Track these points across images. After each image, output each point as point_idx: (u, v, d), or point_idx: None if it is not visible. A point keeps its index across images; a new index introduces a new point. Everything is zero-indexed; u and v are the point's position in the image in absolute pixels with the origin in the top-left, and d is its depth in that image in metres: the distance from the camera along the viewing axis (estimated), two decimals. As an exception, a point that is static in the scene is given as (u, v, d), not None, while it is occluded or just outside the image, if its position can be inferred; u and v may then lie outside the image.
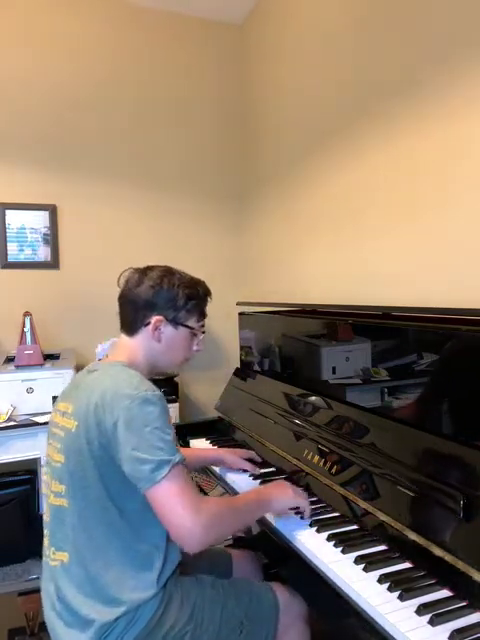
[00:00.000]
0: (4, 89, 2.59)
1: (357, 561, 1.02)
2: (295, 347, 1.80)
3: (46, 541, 1.12)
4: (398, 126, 1.73)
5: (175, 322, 1.20)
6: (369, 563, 1.01)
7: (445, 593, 0.91)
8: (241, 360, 2.25)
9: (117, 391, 1.03)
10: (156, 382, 1.14)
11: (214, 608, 1.11)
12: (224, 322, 2.78)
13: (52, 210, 2.68)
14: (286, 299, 2.51)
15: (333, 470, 1.30)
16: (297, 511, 1.23)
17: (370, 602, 0.90)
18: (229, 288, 3.00)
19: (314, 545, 1.10)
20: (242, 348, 2.25)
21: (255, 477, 1.49)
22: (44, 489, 1.16)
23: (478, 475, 0.98)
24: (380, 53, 1.81)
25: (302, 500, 1.21)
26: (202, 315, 1.26)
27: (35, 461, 2.31)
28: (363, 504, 1.17)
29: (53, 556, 1.08)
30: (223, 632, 1.09)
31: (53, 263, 2.70)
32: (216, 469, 1.61)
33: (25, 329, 2.36)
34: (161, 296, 1.18)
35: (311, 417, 1.54)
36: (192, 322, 1.23)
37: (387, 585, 0.94)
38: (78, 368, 2.43)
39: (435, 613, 0.85)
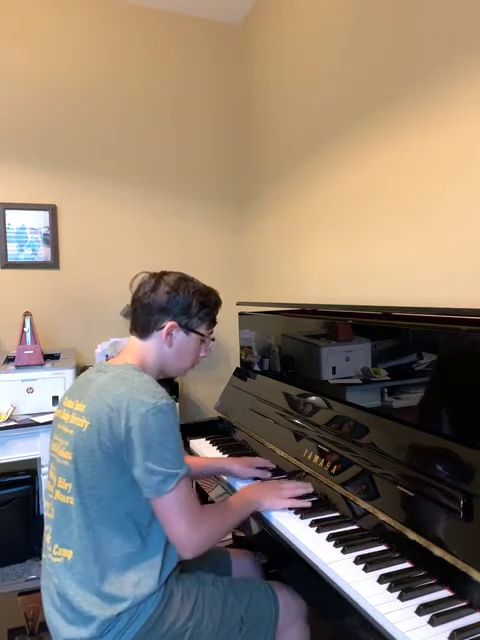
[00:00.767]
0: (4, 89, 2.59)
1: (357, 561, 1.02)
2: (295, 347, 1.80)
3: (48, 538, 1.13)
4: (399, 126, 1.74)
5: (187, 328, 1.24)
6: (369, 563, 1.01)
7: (445, 593, 0.91)
8: (241, 360, 2.25)
9: (133, 397, 1.05)
10: (157, 381, 1.15)
11: (215, 605, 1.12)
12: (224, 322, 2.77)
13: (52, 210, 2.68)
14: (286, 299, 2.51)
15: (333, 470, 1.30)
16: (296, 508, 1.25)
17: (370, 602, 0.90)
18: (229, 288, 2.99)
19: (314, 545, 1.10)
20: (242, 348, 2.25)
21: (255, 477, 1.49)
22: (48, 486, 1.17)
23: (478, 475, 0.98)
24: (381, 52, 1.81)
25: (290, 502, 1.26)
26: (213, 323, 1.30)
27: (35, 461, 2.31)
28: (363, 504, 1.17)
29: (56, 553, 1.09)
30: (223, 629, 1.11)
31: (53, 263, 2.70)
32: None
33: (25, 329, 2.36)
34: (176, 302, 1.21)
35: (311, 417, 1.54)
36: (203, 329, 1.27)
37: (387, 585, 0.94)
38: (78, 368, 2.43)
39: (435, 613, 0.85)
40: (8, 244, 2.62)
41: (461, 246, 1.51)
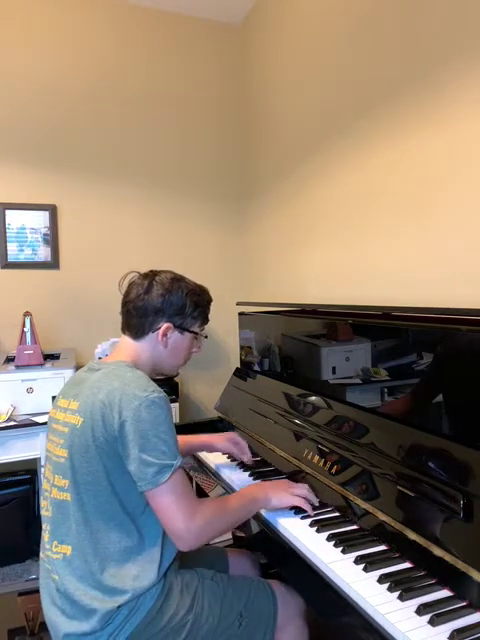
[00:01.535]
0: (4, 89, 2.59)
1: (357, 561, 1.02)
2: (295, 347, 1.80)
3: (46, 535, 1.14)
4: (400, 126, 1.73)
5: (182, 328, 1.25)
6: (369, 563, 1.01)
7: (445, 593, 0.91)
8: (241, 360, 2.25)
9: (125, 391, 1.06)
10: (155, 382, 1.15)
11: (214, 599, 1.13)
12: (224, 322, 2.79)
13: (52, 210, 2.68)
14: (286, 299, 2.51)
15: (333, 470, 1.30)
16: (297, 509, 1.24)
17: (370, 602, 0.90)
18: (229, 288, 3.01)
19: (314, 545, 1.10)
20: (242, 348, 2.25)
21: (255, 477, 1.49)
22: (45, 484, 1.18)
23: (478, 475, 0.98)
24: (381, 52, 1.81)
25: (299, 500, 1.23)
26: (205, 320, 1.32)
27: (35, 461, 2.31)
28: (363, 504, 1.17)
29: (55, 549, 1.10)
30: (223, 624, 1.11)
31: (53, 263, 2.70)
32: (216, 469, 1.61)
33: (25, 329, 2.36)
34: (171, 303, 1.22)
35: (311, 417, 1.54)
36: (196, 327, 1.29)
37: (387, 585, 0.94)
38: (78, 368, 2.42)
39: (435, 613, 0.85)
40: (8, 244, 2.62)
41: (461, 246, 1.51)
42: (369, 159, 1.90)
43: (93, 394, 1.09)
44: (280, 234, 2.66)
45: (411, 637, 0.81)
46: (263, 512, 1.27)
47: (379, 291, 1.87)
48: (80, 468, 1.07)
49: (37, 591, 1.15)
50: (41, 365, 2.33)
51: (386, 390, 1.33)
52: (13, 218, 2.63)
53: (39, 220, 2.67)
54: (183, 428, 2.01)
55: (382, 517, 1.10)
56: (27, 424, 2.15)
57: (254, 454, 1.67)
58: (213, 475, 1.62)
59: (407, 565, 1.01)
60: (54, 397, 2.30)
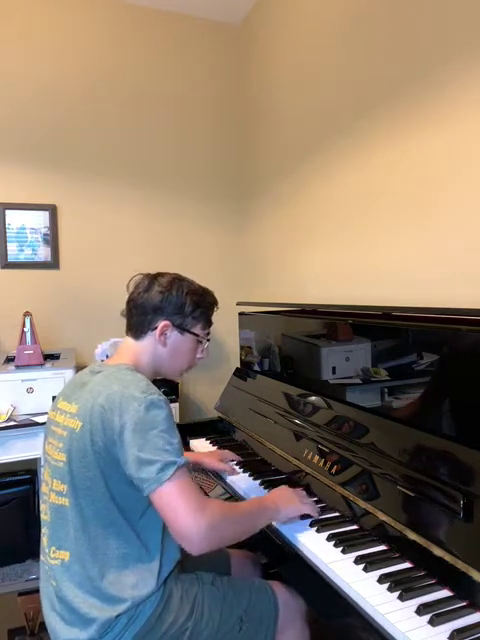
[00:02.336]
0: (4, 89, 2.59)
1: (357, 561, 1.02)
2: (295, 347, 1.80)
3: (45, 540, 1.13)
4: (400, 126, 1.73)
5: (181, 328, 1.23)
6: (369, 563, 1.01)
7: (445, 593, 0.91)
8: (241, 360, 2.25)
9: (125, 394, 1.05)
10: (156, 382, 1.15)
11: (214, 604, 1.12)
12: (224, 322, 2.78)
13: (52, 210, 2.68)
14: (286, 299, 2.51)
15: (333, 470, 1.30)
16: (304, 517, 1.22)
17: (370, 602, 0.90)
18: (229, 288, 3.00)
19: (314, 545, 1.10)
20: (242, 348, 2.25)
21: (255, 477, 1.49)
22: (43, 488, 1.16)
23: (478, 475, 0.98)
24: (381, 52, 1.81)
25: (308, 507, 1.21)
26: (208, 323, 1.29)
27: (35, 461, 2.31)
28: (363, 504, 1.17)
29: (53, 555, 1.09)
30: (223, 628, 1.10)
31: (53, 263, 2.70)
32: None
33: (25, 329, 2.36)
34: (169, 302, 1.21)
35: (311, 417, 1.54)
36: (198, 329, 1.26)
37: (387, 585, 0.94)
38: (78, 368, 2.43)
39: (435, 613, 0.85)
40: (8, 244, 2.62)
41: (461, 246, 1.51)
42: (369, 159, 1.90)
43: (93, 398, 1.07)
44: (280, 234, 2.66)
45: (411, 637, 0.81)
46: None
47: (379, 291, 1.87)
48: (78, 473, 1.06)
49: (37, 591, 1.15)
50: (41, 365, 2.32)
51: (386, 390, 1.33)
52: (13, 218, 2.63)
53: (39, 220, 2.67)
54: (183, 428, 2.01)
55: (382, 517, 1.10)
56: (27, 424, 2.15)
57: (254, 454, 1.67)
58: (213, 475, 1.62)
59: (407, 565, 1.01)
60: (55, 397, 2.32)
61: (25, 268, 2.66)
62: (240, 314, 2.24)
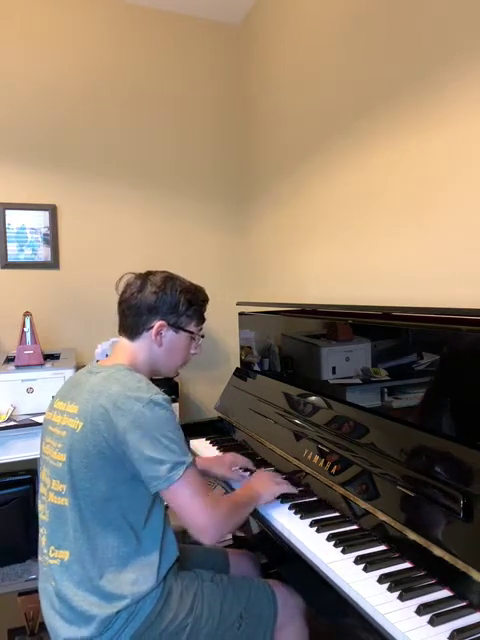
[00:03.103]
0: (3, 89, 2.59)
1: (357, 561, 1.02)
2: (295, 347, 1.80)
3: (44, 540, 1.13)
4: (400, 126, 1.73)
5: (176, 327, 1.24)
6: (369, 563, 1.01)
7: (445, 593, 0.91)
8: (241, 360, 2.25)
9: (127, 395, 1.05)
10: (155, 382, 1.15)
11: (213, 602, 1.13)
12: (224, 322, 2.78)
13: (52, 210, 2.68)
14: (286, 299, 2.51)
15: (333, 470, 1.30)
16: (284, 497, 1.30)
17: (370, 602, 0.90)
18: (229, 288, 3.01)
19: (314, 545, 1.10)
20: (242, 348, 2.25)
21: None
22: (41, 488, 1.17)
23: (478, 475, 0.98)
24: (381, 52, 1.81)
25: (284, 487, 1.31)
26: (201, 320, 1.31)
27: (35, 461, 2.31)
28: (363, 504, 1.17)
29: (52, 554, 1.09)
30: (222, 626, 1.11)
31: (53, 263, 2.70)
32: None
33: (25, 329, 2.36)
34: (164, 301, 1.21)
35: (311, 417, 1.54)
36: (192, 326, 1.27)
37: (387, 585, 0.94)
38: (78, 368, 2.43)
39: (435, 613, 0.85)
40: (8, 244, 2.62)
41: (461, 246, 1.51)
42: (369, 159, 1.90)
43: (93, 398, 1.08)
44: (280, 234, 2.66)
45: (411, 637, 0.81)
46: (261, 510, 1.27)
47: (379, 291, 1.87)
48: (78, 473, 1.06)
49: (37, 591, 1.15)
50: (41, 365, 2.32)
51: (386, 390, 1.33)
52: (13, 218, 2.63)
53: (39, 220, 2.67)
54: (183, 428, 2.00)
55: (382, 517, 1.10)
56: (27, 424, 2.15)
57: (254, 454, 1.67)
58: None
59: (407, 565, 1.01)
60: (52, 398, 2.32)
61: (25, 268, 2.66)
62: (240, 314, 2.24)
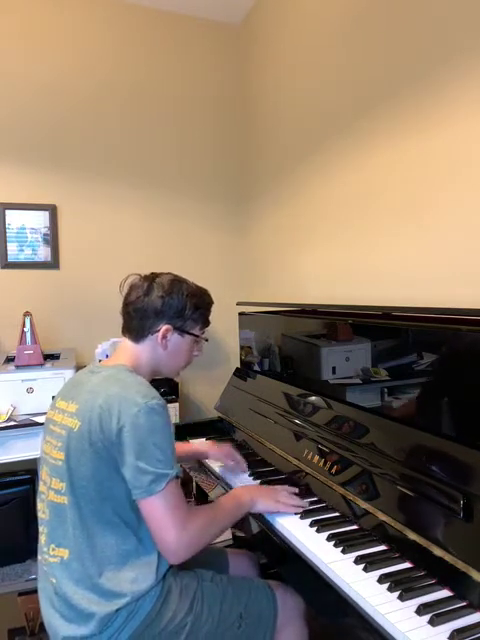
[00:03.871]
0: (3, 89, 2.59)
1: (357, 561, 1.02)
2: (295, 347, 1.80)
3: (43, 538, 1.13)
4: (400, 126, 1.73)
5: (181, 330, 1.24)
6: (369, 563, 1.01)
7: (445, 593, 0.91)
8: (241, 360, 2.25)
9: (125, 397, 1.06)
10: (155, 382, 1.15)
11: (213, 601, 1.13)
12: (224, 322, 2.78)
13: (52, 210, 2.68)
14: (286, 299, 2.51)
15: (333, 470, 1.30)
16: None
17: (370, 602, 0.90)
18: (229, 288, 3.01)
19: (314, 545, 1.10)
20: (242, 348, 2.25)
21: (255, 477, 1.49)
22: (41, 486, 1.17)
23: (478, 475, 0.98)
24: (381, 52, 1.81)
25: (284, 507, 1.25)
26: (206, 323, 1.31)
27: (35, 461, 2.31)
28: (363, 504, 1.17)
29: (52, 552, 1.09)
30: (222, 626, 1.11)
31: (53, 263, 2.70)
32: (216, 469, 1.61)
33: (25, 329, 2.36)
34: (170, 306, 1.21)
35: (311, 417, 1.54)
36: (196, 330, 1.28)
37: (387, 585, 0.94)
38: (78, 368, 2.43)
39: (435, 613, 0.85)
40: (8, 244, 2.62)
41: (461, 246, 1.51)
42: (369, 159, 1.90)
43: (92, 398, 1.08)
44: (280, 234, 2.66)
45: (411, 637, 0.81)
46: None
47: (379, 291, 1.87)
48: (76, 472, 1.07)
49: (37, 591, 1.15)
50: (41, 365, 2.32)
51: (386, 390, 1.33)
52: (13, 218, 2.63)
53: (39, 220, 2.67)
54: (183, 428, 2.01)
55: (382, 517, 1.10)
56: (27, 424, 2.15)
57: (254, 454, 1.67)
58: (213, 475, 1.62)
59: (407, 565, 1.01)
60: (54, 397, 2.32)
61: (25, 268, 2.66)
62: (240, 314, 2.24)
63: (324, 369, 1.60)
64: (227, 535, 1.93)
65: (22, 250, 2.65)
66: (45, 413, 2.29)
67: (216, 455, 1.59)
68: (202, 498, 1.92)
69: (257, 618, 1.15)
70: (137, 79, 2.85)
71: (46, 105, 2.66)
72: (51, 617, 1.08)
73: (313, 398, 1.61)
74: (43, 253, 2.69)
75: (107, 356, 2.44)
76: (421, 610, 0.86)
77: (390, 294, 1.81)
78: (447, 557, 0.93)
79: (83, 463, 1.06)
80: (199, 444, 1.66)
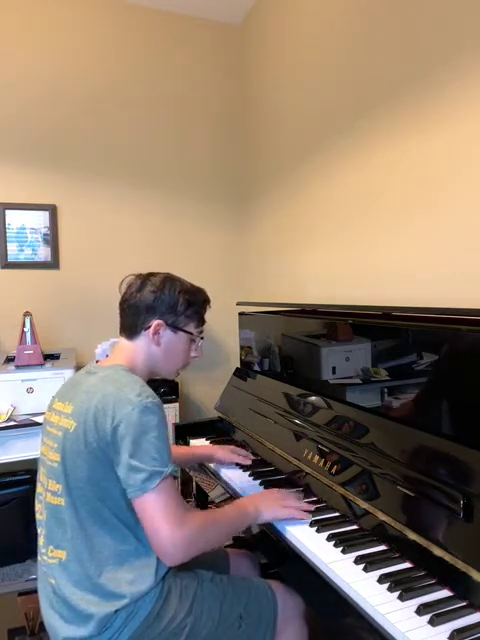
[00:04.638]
0: (4, 89, 2.59)
1: (357, 561, 1.02)
2: (295, 347, 1.80)
3: (41, 540, 1.13)
4: (400, 126, 1.74)
5: (174, 327, 1.24)
6: (369, 563, 1.01)
7: (445, 593, 0.91)
8: (241, 360, 2.25)
9: (120, 396, 1.05)
10: (155, 382, 1.15)
11: (213, 602, 1.12)
12: (224, 322, 2.79)
13: (52, 210, 2.68)
14: (286, 299, 2.51)
15: (333, 470, 1.30)
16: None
17: (370, 602, 0.90)
18: (229, 288, 3.01)
19: (314, 545, 1.10)
20: (242, 348, 2.25)
21: (255, 477, 1.49)
22: (39, 488, 1.17)
23: (478, 475, 0.98)
24: (381, 52, 1.81)
25: (288, 512, 1.20)
26: (201, 321, 1.30)
27: (35, 461, 2.30)
28: (363, 504, 1.17)
29: (50, 554, 1.09)
30: (222, 626, 1.11)
31: (53, 263, 2.70)
32: (216, 469, 1.61)
33: (25, 329, 2.36)
34: (162, 301, 1.21)
35: (311, 417, 1.54)
36: (191, 328, 1.27)
37: (387, 585, 0.94)
38: (78, 368, 2.43)
39: (435, 613, 0.85)
40: (8, 244, 2.62)
41: (461, 246, 1.51)
42: (369, 159, 1.90)
43: (88, 399, 1.08)
44: (280, 234, 2.66)
45: (411, 637, 0.81)
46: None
47: (379, 291, 1.87)
48: (72, 473, 1.06)
49: (37, 591, 1.15)
50: (41, 365, 2.33)
51: (386, 390, 1.33)
52: (13, 218, 2.63)
53: (39, 220, 2.67)
54: (183, 428, 2.01)
55: (382, 517, 1.10)
56: (27, 424, 2.15)
57: (254, 454, 1.67)
58: (213, 475, 1.63)
59: (407, 565, 1.01)
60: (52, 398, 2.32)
61: (25, 268, 2.66)
62: (240, 314, 2.24)
63: (324, 369, 1.60)
64: (220, 544, 1.93)
65: (22, 250, 2.66)
66: (45, 413, 2.30)
67: (222, 455, 1.58)
68: (202, 498, 1.92)
69: (257, 618, 1.14)
70: (137, 79, 2.86)
71: (46, 105, 2.66)
72: (51, 618, 1.08)
73: (313, 398, 1.61)
74: (43, 253, 2.69)
75: (107, 356, 2.44)
76: (421, 610, 0.86)
77: (390, 294, 1.81)
78: (447, 557, 0.93)
79: (79, 465, 1.05)
80: (203, 447, 1.66)
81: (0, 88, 2.58)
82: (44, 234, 2.69)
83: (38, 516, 1.16)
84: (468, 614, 0.86)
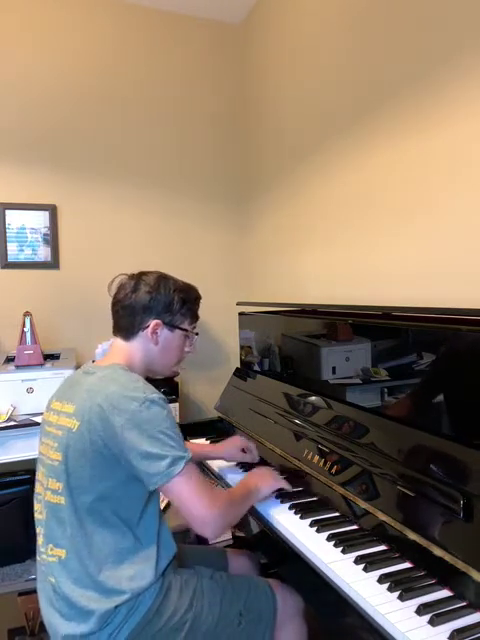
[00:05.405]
0: (3, 89, 2.59)
1: (357, 561, 1.02)
2: (295, 347, 1.80)
3: (41, 539, 1.13)
4: (400, 126, 1.74)
5: (171, 325, 1.26)
6: (369, 563, 1.01)
7: (445, 593, 0.91)
8: (241, 360, 2.25)
9: (123, 394, 1.06)
10: (155, 382, 1.16)
11: (213, 598, 1.13)
12: (224, 322, 2.79)
13: (52, 210, 2.68)
14: (286, 299, 2.51)
15: (333, 470, 1.30)
16: (279, 493, 1.32)
17: (370, 602, 0.90)
18: (229, 288, 3.01)
19: (314, 545, 1.10)
20: (242, 348, 2.25)
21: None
22: (37, 487, 1.18)
23: (478, 475, 0.98)
24: (381, 52, 1.81)
25: (282, 483, 1.32)
26: (195, 318, 1.33)
27: (35, 461, 2.31)
28: (363, 504, 1.17)
29: (50, 552, 1.10)
30: (222, 623, 1.11)
31: (53, 263, 2.70)
32: (215, 468, 1.61)
33: (25, 329, 2.36)
34: (158, 301, 1.23)
35: (311, 417, 1.54)
36: (186, 325, 1.29)
37: (387, 585, 0.94)
38: (78, 368, 2.42)
39: (435, 613, 0.85)
40: (8, 244, 2.62)
41: (461, 246, 1.51)
42: (369, 159, 1.90)
43: (90, 398, 1.08)
44: (280, 234, 2.66)
45: (411, 637, 0.81)
46: (261, 510, 1.27)
47: (379, 291, 1.87)
48: (74, 471, 1.07)
49: (37, 591, 1.15)
50: (41, 365, 2.33)
51: (386, 390, 1.33)
52: (13, 218, 2.63)
53: (39, 220, 2.67)
54: (183, 428, 2.00)
55: (382, 517, 1.10)
56: (27, 424, 2.15)
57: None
58: (213, 475, 1.63)
59: (407, 565, 1.01)
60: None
61: (25, 268, 2.66)
62: (240, 314, 2.24)
63: (324, 369, 1.60)
64: (227, 535, 1.93)
65: (22, 250, 2.65)
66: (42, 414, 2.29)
67: (230, 452, 1.56)
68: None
69: (257, 616, 1.15)
70: (137, 79, 2.85)
71: (46, 105, 2.66)
72: (51, 616, 1.08)
73: (313, 398, 1.61)
74: (43, 253, 2.69)
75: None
76: (421, 610, 0.86)
77: (390, 294, 1.81)
78: (447, 557, 0.93)
79: (83, 463, 1.06)
80: (211, 446, 1.64)
81: (0, 88, 2.58)
82: (44, 234, 2.68)
83: (37, 515, 1.16)
84: (468, 614, 0.86)
